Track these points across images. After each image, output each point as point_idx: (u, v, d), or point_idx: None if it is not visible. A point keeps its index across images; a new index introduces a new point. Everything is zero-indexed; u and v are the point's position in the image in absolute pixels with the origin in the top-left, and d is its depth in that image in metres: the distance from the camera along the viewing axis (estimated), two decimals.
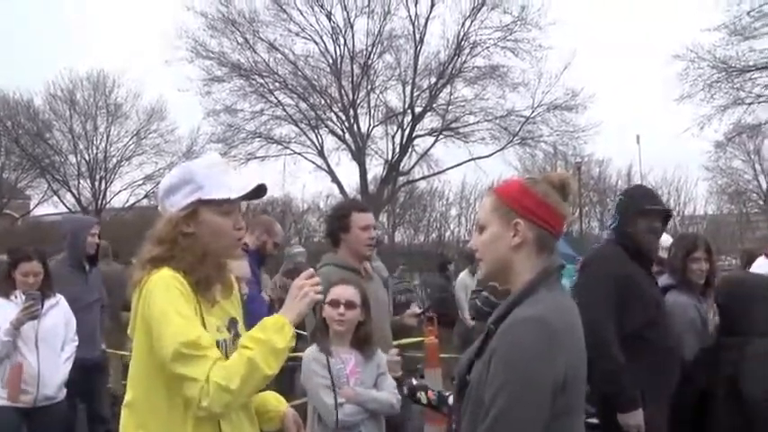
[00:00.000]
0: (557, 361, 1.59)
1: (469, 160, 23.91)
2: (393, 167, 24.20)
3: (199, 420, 1.87)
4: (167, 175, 2.13)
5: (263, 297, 4.56)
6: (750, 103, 20.52)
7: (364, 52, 23.81)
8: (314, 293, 1.98)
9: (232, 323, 2.06)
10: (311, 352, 2.94)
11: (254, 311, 3.29)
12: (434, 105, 24.21)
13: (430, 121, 24.79)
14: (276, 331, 1.88)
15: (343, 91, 23.96)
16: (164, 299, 1.87)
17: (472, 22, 23.26)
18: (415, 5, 23.22)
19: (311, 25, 23.77)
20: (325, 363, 2.84)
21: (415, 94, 23.99)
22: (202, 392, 1.77)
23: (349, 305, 2.96)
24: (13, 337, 3.76)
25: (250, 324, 2.05)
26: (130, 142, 28.20)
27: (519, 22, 22.85)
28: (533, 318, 1.63)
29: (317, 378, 2.87)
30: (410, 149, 24.67)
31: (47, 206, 29.56)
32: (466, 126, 24.43)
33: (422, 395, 2.60)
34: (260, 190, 2.06)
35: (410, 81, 23.83)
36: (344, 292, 2.98)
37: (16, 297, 3.91)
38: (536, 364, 1.58)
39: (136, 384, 1.96)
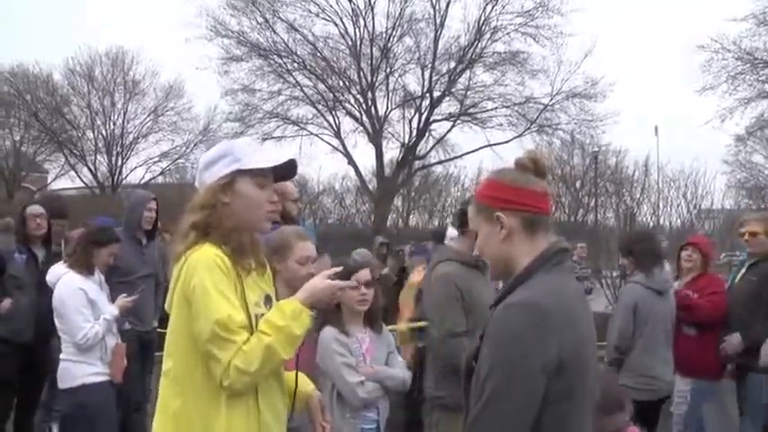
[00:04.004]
0: (545, 344, 1.57)
1: (486, 146, 23.87)
2: (409, 151, 24.16)
3: (234, 394, 1.97)
4: (207, 151, 2.24)
5: None
6: None
7: (384, 35, 23.73)
8: (335, 299, 2.13)
9: (267, 299, 2.15)
10: (330, 332, 2.97)
11: None
12: (453, 90, 24.12)
13: (448, 106, 24.76)
14: (294, 318, 1.98)
15: (361, 73, 23.89)
16: (205, 276, 1.95)
17: (493, 6, 23.14)
18: None
19: (331, 6, 23.75)
20: (345, 342, 2.93)
21: (434, 79, 23.92)
22: (224, 374, 1.91)
23: (368, 284, 2.99)
24: (115, 321, 4.01)
25: None
26: (147, 119, 28.38)
27: (541, 8, 22.73)
28: (521, 302, 1.63)
29: (339, 357, 2.91)
30: (427, 134, 24.64)
31: (64, 180, 29.83)
32: (484, 112, 24.35)
33: None
34: (292, 168, 2.20)
35: (429, 65, 23.74)
36: (363, 272, 3.00)
37: (93, 274, 4.03)
38: (522, 347, 1.57)
39: (174, 355, 2.05)
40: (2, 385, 4.85)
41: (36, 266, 4.86)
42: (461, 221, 3.27)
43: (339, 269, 2.18)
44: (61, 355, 3.95)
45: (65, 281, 3.93)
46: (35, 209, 4.97)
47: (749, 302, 4.42)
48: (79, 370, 3.87)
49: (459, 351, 2.88)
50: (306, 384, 2.31)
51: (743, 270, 4.73)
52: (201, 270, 1.96)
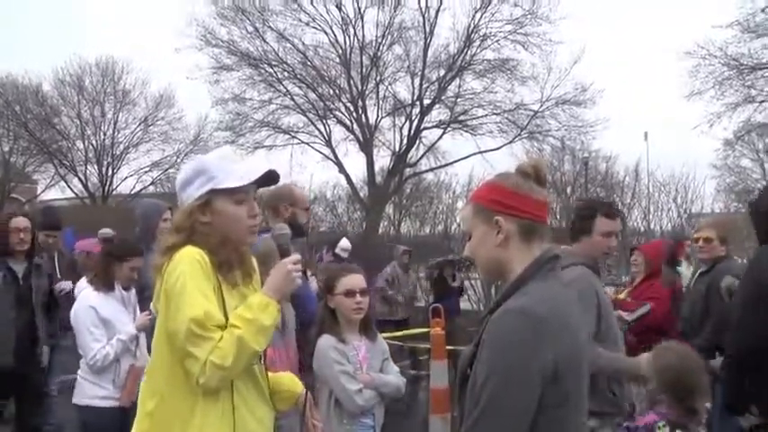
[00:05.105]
0: (542, 351, 1.59)
1: (477, 153, 23.89)
2: (400, 159, 24.18)
3: (209, 392, 1.98)
4: (182, 169, 2.21)
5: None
6: (761, 102, 20.36)
7: (374, 43, 23.76)
8: (298, 279, 2.10)
9: None
10: (327, 341, 2.99)
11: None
12: (443, 98, 24.15)
13: (438, 114, 24.78)
14: (262, 310, 2.00)
15: (351, 82, 23.92)
16: (185, 271, 1.97)
17: (483, 14, 23.20)
18: None
19: (321, 15, 23.75)
20: (343, 350, 2.97)
21: (424, 86, 23.94)
22: (201, 371, 1.92)
23: (363, 292, 3.01)
24: (133, 341, 3.83)
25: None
26: (138, 129, 28.32)
27: (529, 16, 22.77)
28: (516, 309, 1.64)
29: (337, 366, 2.94)
30: (418, 141, 24.66)
31: (54, 191, 29.70)
32: (474, 119, 24.38)
33: None
34: (272, 176, 2.16)
35: (419, 73, 23.78)
36: (358, 280, 3.05)
37: (114, 290, 3.86)
38: (519, 354, 1.59)
39: (155, 352, 2.08)
40: None
41: (16, 283, 4.63)
42: (581, 227, 3.21)
43: (298, 256, 2.16)
44: (79, 371, 3.85)
45: (80, 297, 3.82)
46: (20, 222, 4.67)
47: (699, 312, 4.39)
48: (90, 390, 3.76)
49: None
50: (294, 383, 2.35)
51: (696, 276, 4.72)
52: (182, 266, 1.98)
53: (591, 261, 3.18)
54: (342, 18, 23.78)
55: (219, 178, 2.06)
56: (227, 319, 2.00)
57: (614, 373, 2.99)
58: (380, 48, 23.84)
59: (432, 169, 24.94)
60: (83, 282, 4.01)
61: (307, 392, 2.33)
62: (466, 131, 24.32)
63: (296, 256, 2.13)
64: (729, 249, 4.62)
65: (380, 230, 17.84)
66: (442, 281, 9.73)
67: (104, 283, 3.81)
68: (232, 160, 2.14)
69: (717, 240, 4.48)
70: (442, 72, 23.84)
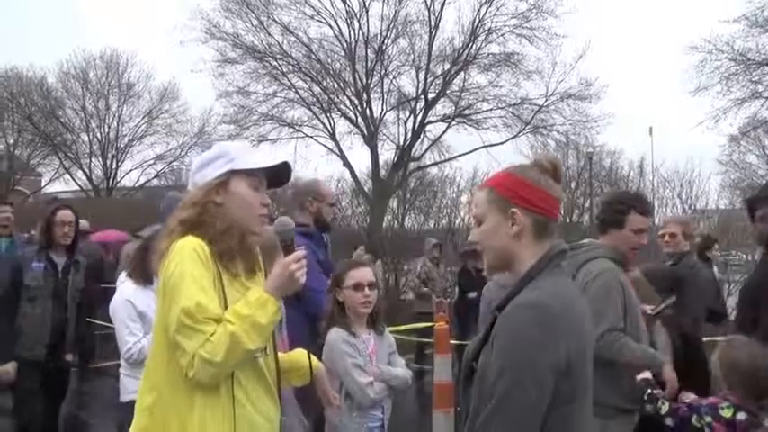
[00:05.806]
0: (555, 345, 1.59)
1: (481, 147, 23.88)
2: (405, 153, 24.16)
3: (207, 386, 1.95)
4: (202, 153, 2.24)
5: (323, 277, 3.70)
6: None
7: (379, 37, 23.71)
8: (302, 278, 2.05)
9: None
10: (338, 333, 3.00)
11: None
12: (448, 92, 24.11)
13: (443, 108, 24.74)
14: (259, 307, 1.95)
15: (356, 75, 23.87)
16: (181, 263, 1.94)
17: (488, 8, 23.14)
18: None
19: (326, 8, 23.71)
20: (354, 343, 2.99)
21: (429, 80, 23.90)
22: (189, 365, 1.89)
23: (371, 285, 3.02)
24: None
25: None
26: (142, 122, 28.41)
27: (535, 10, 22.70)
28: (529, 303, 1.64)
29: (348, 358, 2.96)
30: (422, 135, 24.62)
31: (58, 184, 29.82)
32: (479, 113, 24.34)
33: (663, 405, 2.71)
34: (286, 171, 2.19)
35: (424, 67, 23.74)
36: (366, 274, 3.06)
37: (152, 283, 3.66)
38: (533, 348, 1.58)
39: (153, 346, 2.05)
40: (21, 405, 4.60)
41: (55, 275, 4.63)
42: (613, 221, 3.18)
43: (303, 252, 2.11)
44: (120, 368, 3.80)
45: (118, 291, 3.77)
46: (66, 215, 4.64)
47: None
48: (131, 385, 3.61)
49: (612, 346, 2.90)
50: (313, 359, 2.34)
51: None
52: (179, 257, 1.95)
53: (617, 255, 3.17)
54: (347, 11, 23.76)
55: (239, 160, 2.09)
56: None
57: (642, 368, 2.98)
58: (385, 41, 23.80)
59: (436, 163, 24.95)
60: (123, 275, 3.98)
61: (311, 368, 2.32)
62: (470, 126, 24.30)
63: (300, 253, 2.09)
64: (692, 245, 4.96)
65: (384, 224, 17.83)
66: (466, 273, 9.22)
67: (142, 275, 3.70)
68: (252, 149, 2.24)
69: (681, 236, 4.75)
70: (447, 66, 23.81)
